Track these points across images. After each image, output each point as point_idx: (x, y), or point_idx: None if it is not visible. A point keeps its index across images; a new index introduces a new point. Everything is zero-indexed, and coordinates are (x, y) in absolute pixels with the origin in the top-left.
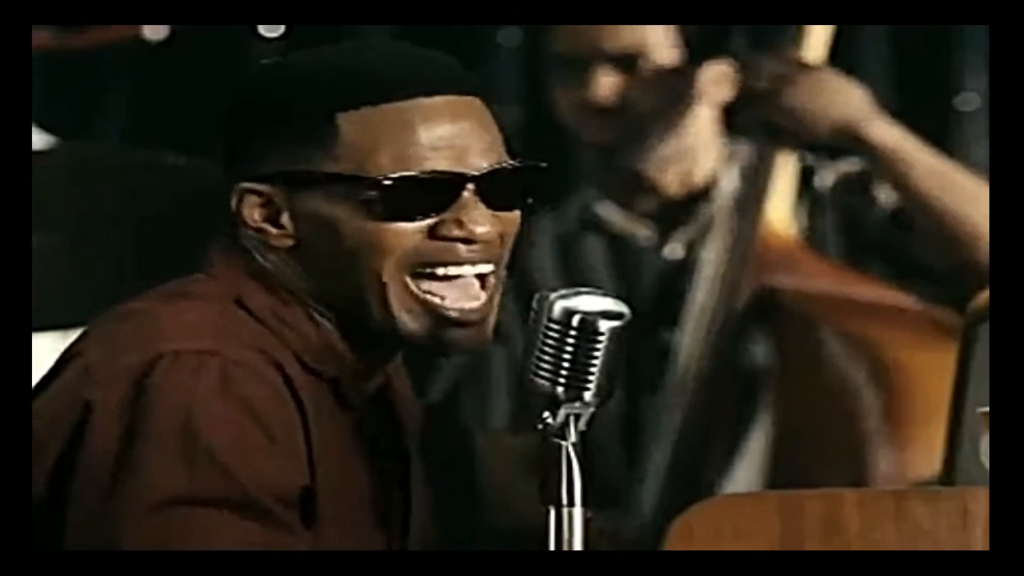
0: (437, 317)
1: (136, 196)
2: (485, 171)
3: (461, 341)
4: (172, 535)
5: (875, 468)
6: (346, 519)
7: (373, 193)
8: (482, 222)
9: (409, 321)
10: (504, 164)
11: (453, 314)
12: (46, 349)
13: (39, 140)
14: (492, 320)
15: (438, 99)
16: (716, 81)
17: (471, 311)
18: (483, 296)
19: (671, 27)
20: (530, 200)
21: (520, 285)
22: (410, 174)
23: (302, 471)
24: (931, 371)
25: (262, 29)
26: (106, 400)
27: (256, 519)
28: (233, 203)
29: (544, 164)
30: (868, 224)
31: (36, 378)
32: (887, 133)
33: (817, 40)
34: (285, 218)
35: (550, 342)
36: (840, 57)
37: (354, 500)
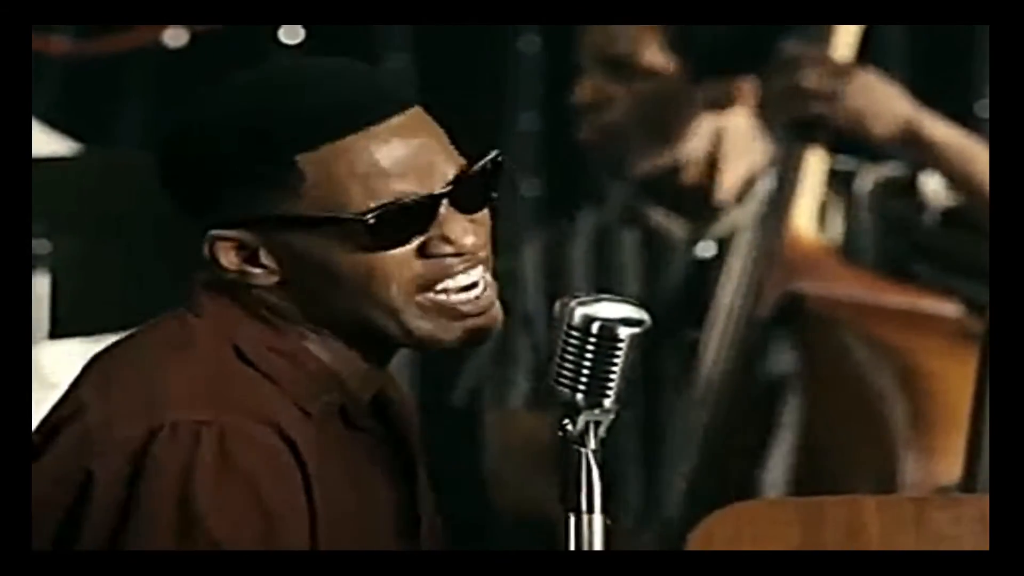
0: (451, 316)
1: (156, 202)
2: (453, 183)
3: (472, 331)
4: None
5: (901, 475)
6: (360, 542)
7: (355, 229)
8: (467, 233)
9: (425, 327)
10: (467, 170)
11: (467, 308)
12: (67, 355)
13: (60, 146)
14: (498, 306)
15: (386, 123)
16: (740, 93)
17: (478, 299)
18: (480, 285)
19: (666, 35)
20: (495, 195)
21: (553, 277)
22: (385, 204)
23: (302, 538)
24: (959, 378)
25: (282, 36)
26: (105, 473)
27: None
28: (206, 251)
29: (500, 154)
30: (914, 226)
31: (46, 383)
32: (943, 129)
33: (845, 42)
34: (265, 257)
35: (570, 349)
36: (861, 62)
37: (367, 521)
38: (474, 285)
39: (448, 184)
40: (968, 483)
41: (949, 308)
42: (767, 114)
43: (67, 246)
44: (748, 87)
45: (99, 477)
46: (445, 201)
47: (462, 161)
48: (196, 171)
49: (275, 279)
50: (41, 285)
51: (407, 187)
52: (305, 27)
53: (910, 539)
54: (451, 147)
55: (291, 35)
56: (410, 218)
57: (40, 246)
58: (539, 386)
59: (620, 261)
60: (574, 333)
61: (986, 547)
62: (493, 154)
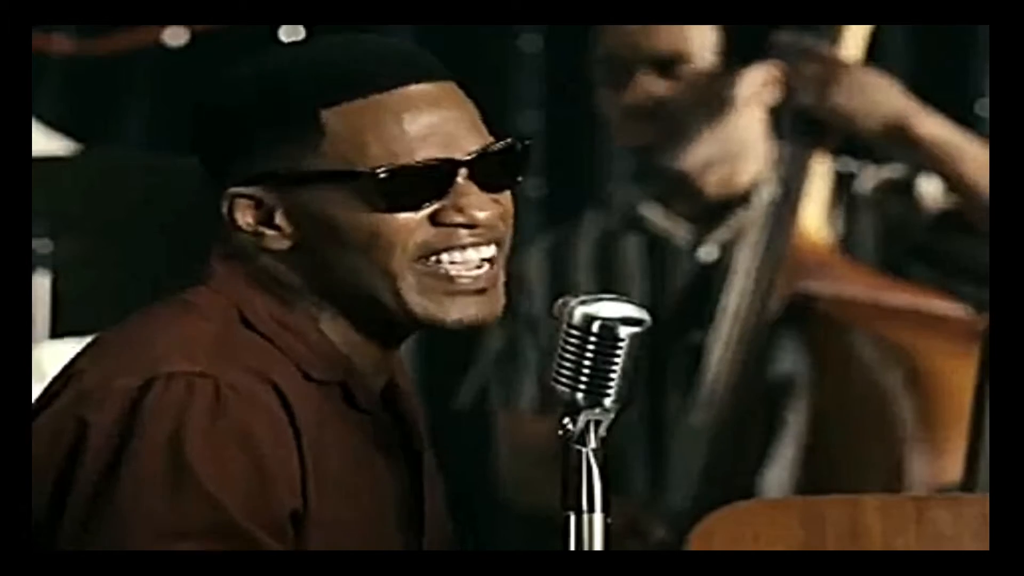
0: (447, 289)
1: (158, 201)
2: (475, 154)
3: (471, 311)
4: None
5: (908, 474)
6: (355, 527)
7: (368, 186)
8: (481, 206)
9: (421, 302)
10: (492, 146)
11: (464, 281)
12: (68, 354)
13: (61, 145)
14: (501, 292)
15: (417, 87)
16: (764, 83)
17: (478, 278)
18: (486, 266)
19: (712, 29)
20: (519, 179)
21: (558, 279)
22: (403, 164)
23: (293, 495)
24: (966, 378)
25: (282, 34)
26: (101, 421)
27: (236, 544)
28: (224, 209)
29: (529, 141)
30: (912, 228)
31: (47, 380)
32: (936, 127)
33: (854, 39)
34: (280, 218)
35: (570, 348)
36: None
37: (361, 505)
38: (480, 263)
39: (469, 155)
40: (968, 483)
41: (957, 308)
42: (778, 109)
43: (68, 245)
44: (780, 74)
45: (93, 425)
46: (464, 172)
47: (490, 140)
48: (222, 125)
49: (287, 244)
50: (42, 284)
51: (427, 153)
52: (305, 27)
53: (911, 539)
54: (481, 125)
55: (291, 34)
56: (425, 182)
57: (41, 245)
58: (544, 388)
59: (625, 264)
60: (574, 332)
61: (986, 547)
62: (519, 138)
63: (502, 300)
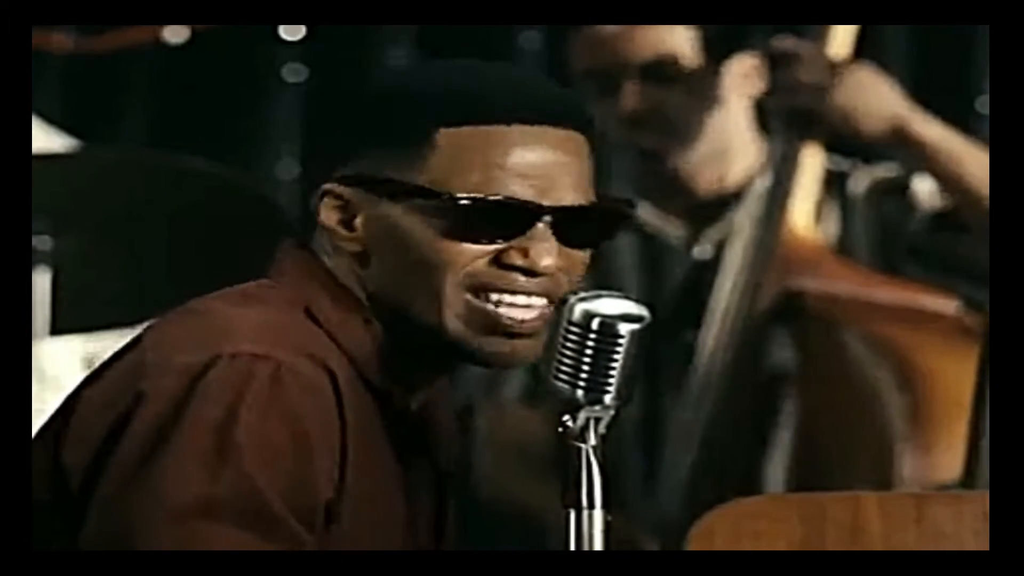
0: (491, 327)
1: (158, 199)
2: (563, 206)
3: (507, 348)
4: (184, 545)
5: (900, 471)
6: (377, 529)
7: (448, 210)
8: (547, 256)
9: (462, 330)
10: (583, 203)
11: (509, 323)
12: (69, 351)
13: (61, 143)
14: (543, 337)
15: (539, 128)
16: (744, 75)
17: (523, 322)
18: (534, 313)
19: (692, 29)
20: (607, 239)
21: None
22: (486, 197)
23: (330, 485)
24: (957, 375)
25: (283, 32)
26: (157, 393)
27: (267, 530)
28: (314, 201)
29: (633, 206)
30: (907, 228)
31: (47, 379)
32: (933, 129)
33: (843, 38)
34: (358, 222)
35: (570, 345)
36: (860, 59)
37: (386, 511)
38: (528, 308)
39: (558, 205)
40: (968, 481)
41: (947, 305)
42: (765, 105)
43: (68, 242)
44: (759, 64)
45: (150, 396)
46: (547, 219)
47: (591, 197)
48: (347, 122)
49: (356, 247)
50: (42, 281)
51: (519, 192)
52: (306, 27)
53: (911, 536)
54: (588, 182)
55: (292, 31)
56: (501, 219)
57: (41, 242)
58: (534, 383)
59: (619, 264)
60: (574, 329)
61: (986, 543)
62: (622, 201)
63: (542, 342)
